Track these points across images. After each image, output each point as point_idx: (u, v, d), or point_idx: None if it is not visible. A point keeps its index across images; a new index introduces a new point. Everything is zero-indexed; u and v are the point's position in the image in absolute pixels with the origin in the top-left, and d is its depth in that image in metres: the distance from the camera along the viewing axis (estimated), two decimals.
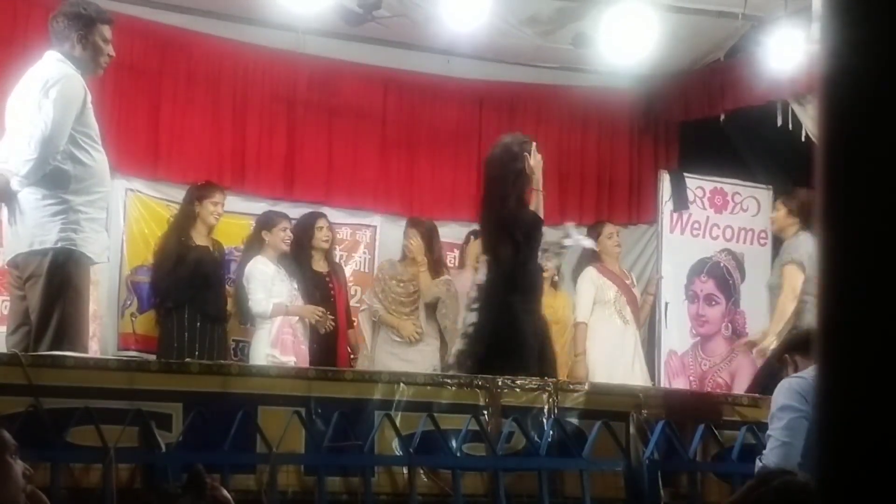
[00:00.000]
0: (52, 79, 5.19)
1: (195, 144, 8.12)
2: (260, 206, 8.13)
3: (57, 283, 5.16)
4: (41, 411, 4.43)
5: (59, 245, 5.16)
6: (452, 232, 8.63)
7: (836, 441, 1.14)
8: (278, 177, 8.42)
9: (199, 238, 7.47)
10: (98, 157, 5.34)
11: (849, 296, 1.14)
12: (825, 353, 1.16)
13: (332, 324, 7.49)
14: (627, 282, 8.47)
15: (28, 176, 5.15)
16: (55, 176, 5.17)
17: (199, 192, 7.54)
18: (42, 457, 4.33)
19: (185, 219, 7.50)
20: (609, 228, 8.51)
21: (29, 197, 5.19)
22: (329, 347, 7.58)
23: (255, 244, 7.55)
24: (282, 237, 7.50)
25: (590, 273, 8.38)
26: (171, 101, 8.09)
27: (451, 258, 8.58)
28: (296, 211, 8.00)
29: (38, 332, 5.14)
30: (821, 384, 1.16)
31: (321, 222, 7.81)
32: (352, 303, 8.18)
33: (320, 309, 7.42)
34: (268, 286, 7.34)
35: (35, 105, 5.16)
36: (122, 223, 7.72)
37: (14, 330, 5.35)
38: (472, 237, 8.05)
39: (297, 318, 7.41)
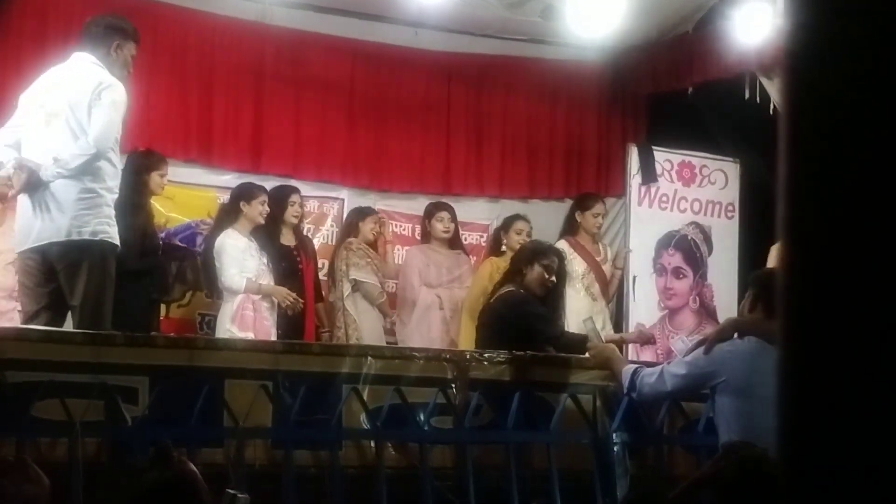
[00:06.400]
0: (105, 82, 5.56)
1: (161, 116, 8.03)
2: (225, 179, 8.09)
3: (101, 272, 5.52)
4: (5, 385, 4.40)
5: (98, 238, 5.51)
6: (419, 205, 8.60)
7: (797, 413, 1.14)
8: (245, 149, 8.35)
9: (147, 209, 7.12)
10: (118, 157, 5.80)
11: (810, 268, 1.14)
12: (787, 323, 1.16)
13: (302, 306, 7.41)
14: (598, 258, 8.47)
15: (76, 169, 5.45)
16: (96, 171, 5.51)
17: (147, 161, 7.14)
18: (7, 431, 4.32)
19: (137, 193, 6.90)
20: (599, 207, 8.47)
21: (68, 189, 5.46)
22: (297, 322, 7.52)
23: (230, 215, 7.40)
24: (259, 210, 7.37)
25: (561, 246, 8.37)
26: (136, 73, 7.96)
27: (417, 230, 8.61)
28: (263, 183, 7.92)
29: (94, 317, 5.42)
30: (782, 353, 1.16)
31: (294, 197, 7.74)
32: (321, 276, 8.14)
33: (293, 294, 7.34)
34: (239, 260, 7.25)
35: (85, 105, 5.49)
36: None
37: (35, 314, 5.54)
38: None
39: (262, 295, 7.33)
